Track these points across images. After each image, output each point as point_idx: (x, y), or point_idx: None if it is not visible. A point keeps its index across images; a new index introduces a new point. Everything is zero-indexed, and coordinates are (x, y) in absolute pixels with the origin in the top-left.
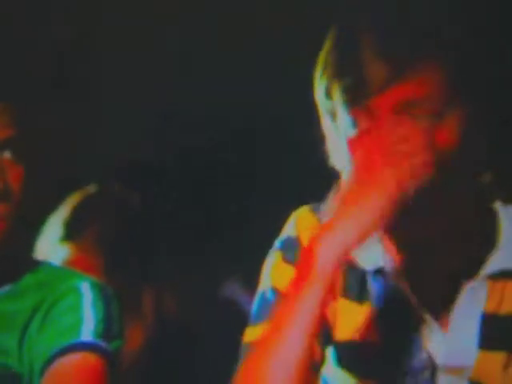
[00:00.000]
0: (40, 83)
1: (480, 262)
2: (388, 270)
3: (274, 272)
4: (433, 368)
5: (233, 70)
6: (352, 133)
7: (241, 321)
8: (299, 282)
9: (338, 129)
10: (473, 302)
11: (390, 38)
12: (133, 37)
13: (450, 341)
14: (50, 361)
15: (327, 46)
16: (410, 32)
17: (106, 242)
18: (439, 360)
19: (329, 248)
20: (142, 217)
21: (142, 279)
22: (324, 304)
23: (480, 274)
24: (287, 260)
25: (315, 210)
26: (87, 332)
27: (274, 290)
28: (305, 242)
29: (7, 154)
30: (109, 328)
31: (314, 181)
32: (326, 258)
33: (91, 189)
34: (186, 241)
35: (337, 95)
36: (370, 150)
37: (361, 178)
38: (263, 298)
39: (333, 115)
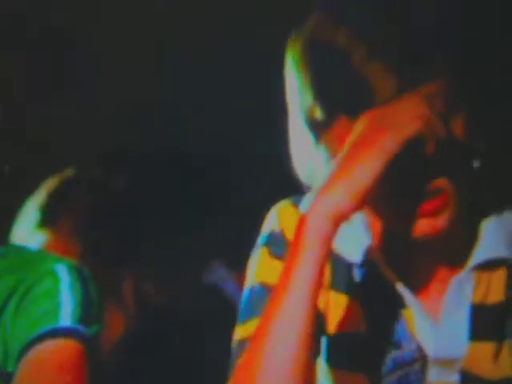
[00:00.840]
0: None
1: (466, 253)
2: (374, 261)
3: (261, 268)
4: (423, 360)
5: (229, 67)
6: None
7: (226, 306)
8: (291, 256)
9: (321, 147)
10: (461, 294)
11: (391, 48)
12: (124, 27)
13: (441, 333)
14: (27, 347)
15: (306, 59)
16: (413, 40)
17: (84, 229)
18: (430, 352)
19: (321, 212)
20: (123, 201)
21: (121, 266)
22: (319, 277)
23: (466, 265)
24: (274, 255)
25: (297, 204)
26: (65, 317)
27: (262, 286)
28: (289, 235)
29: None
30: (87, 312)
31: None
32: (318, 222)
33: (68, 173)
34: (168, 226)
35: (334, 110)
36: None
37: (354, 144)
38: (251, 295)
39: (321, 132)
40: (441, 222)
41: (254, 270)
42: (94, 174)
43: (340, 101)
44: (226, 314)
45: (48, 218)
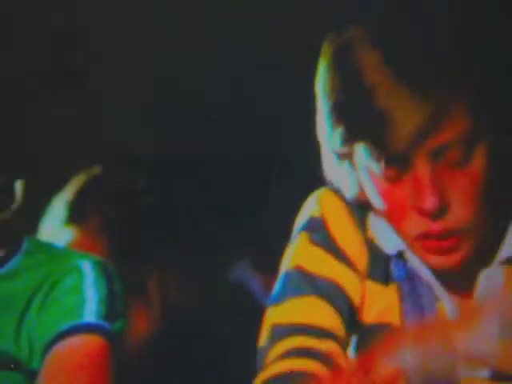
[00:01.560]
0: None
1: (495, 250)
2: (409, 254)
3: (300, 252)
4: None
5: (231, 67)
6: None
7: (251, 306)
8: None
9: (345, 166)
10: (489, 290)
11: (419, 85)
12: (124, 26)
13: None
14: (52, 343)
15: (336, 88)
16: (438, 78)
17: (111, 226)
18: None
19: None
20: (148, 200)
21: (147, 263)
22: None
23: (495, 260)
24: (314, 242)
25: (338, 191)
26: (90, 313)
27: (298, 270)
28: (329, 221)
29: None
30: (111, 308)
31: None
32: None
33: (96, 170)
34: (193, 225)
35: (360, 144)
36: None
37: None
38: (286, 278)
39: (346, 158)
40: (456, 258)
41: (291, 255)
42: (120, 172)
43: (360, 133)
44: (252, 311)
45: (76, 215)
